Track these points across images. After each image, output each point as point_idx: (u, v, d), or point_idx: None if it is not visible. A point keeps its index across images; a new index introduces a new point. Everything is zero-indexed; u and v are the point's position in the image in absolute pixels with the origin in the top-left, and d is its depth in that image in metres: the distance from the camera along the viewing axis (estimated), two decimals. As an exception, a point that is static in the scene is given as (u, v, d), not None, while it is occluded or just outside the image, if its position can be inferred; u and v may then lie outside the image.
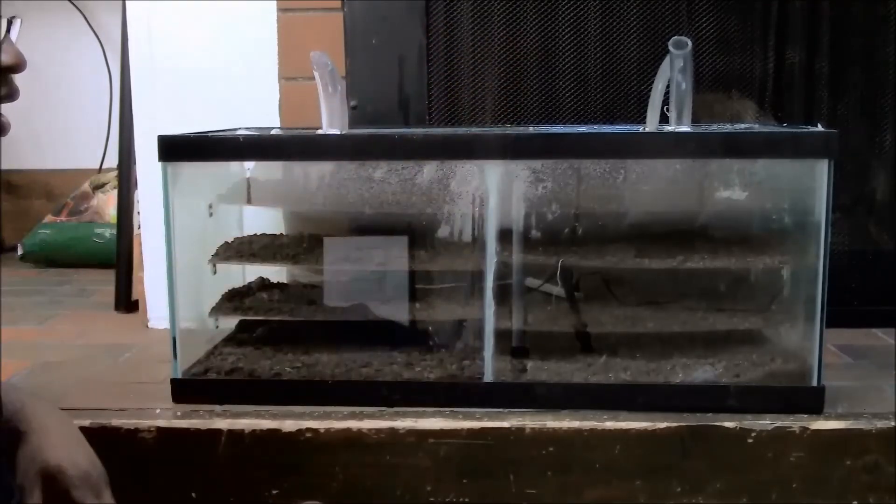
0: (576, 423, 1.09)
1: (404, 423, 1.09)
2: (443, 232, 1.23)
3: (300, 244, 1.29)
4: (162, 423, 1.10)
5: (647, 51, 1.50)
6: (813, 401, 1.11)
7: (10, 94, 0.78)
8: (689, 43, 1.12)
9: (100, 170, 2.48)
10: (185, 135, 1.18)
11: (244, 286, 1.32)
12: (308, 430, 1.09)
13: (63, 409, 0.98)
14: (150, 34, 1.52)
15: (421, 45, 1.51)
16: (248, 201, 1.34)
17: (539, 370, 1.18)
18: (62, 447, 0.91)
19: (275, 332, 1.29)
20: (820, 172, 1.09)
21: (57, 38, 2.51)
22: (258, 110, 1.51)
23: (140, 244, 1.60)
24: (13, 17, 0.78)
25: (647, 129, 1.24)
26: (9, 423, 0.88)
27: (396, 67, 1.51)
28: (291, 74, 1.52)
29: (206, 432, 1.09)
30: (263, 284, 1.33)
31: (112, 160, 2.13)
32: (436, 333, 1.25)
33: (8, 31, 0.77)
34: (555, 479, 1.09)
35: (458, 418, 1.10)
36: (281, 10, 1.51)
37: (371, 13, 1.49)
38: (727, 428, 1.08)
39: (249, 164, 1.32)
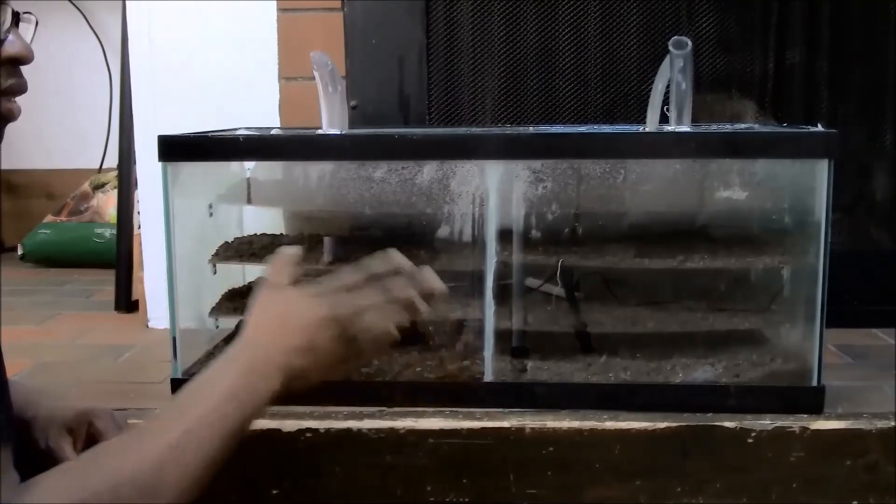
0: (576, 423, 1.09)
1: (404, 423, 1.09)
2: (443, 232, 1.23)
3: (300, 244, 1.29)
4: (162, 423, 1.10)
5: (647, 51, 1.50)
6: (813, 401, 1.11)
7: (19, 87, 0.78)
8: (689, 43, 1.12)
9: (100, 170, 2.49)
10: (185, 135, 1.18)
11: (244, 286, 1.32)
12: (308, 430, 1.09)
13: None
14: (150, 34, 1.52)
15: (421, 45, 1.51)
16: (248, 201, 1.34)
17: (539, 370, 1.18)
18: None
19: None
20: (820, 172, 1.09)
21: (57, 38, 2.51)
22: (258, 110, 1.51)
23: (140, 244, 1.60)
24: (27, 13, 0.78)
25: (647, 129, 1.24)
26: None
27: (396, 67, 1.51)
28: (291, 74, 1.52)
29: (206, 432, 1.09)
30: (263, 284, 1.33)
31: (112, 160, 2.13)
32: (436, 333, 1.25)
33: (17, 23, 0.77)
34: (555, 479, 1.09)
35: (458, 418, 1.10)
36: (281, 10, 1.51)
37: (371, 13, 1.49)
38: (727, 428, 1.08)
39: (249, 164, 1.32)
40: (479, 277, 1.16)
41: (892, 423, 1.08)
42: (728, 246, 1.21)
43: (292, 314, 0.81)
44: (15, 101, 0.78)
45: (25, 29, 0.79)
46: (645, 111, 1.25)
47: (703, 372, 1.16)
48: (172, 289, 1.17)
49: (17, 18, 0.77)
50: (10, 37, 0.76)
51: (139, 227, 1.61)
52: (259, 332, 0.81)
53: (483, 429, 1.09)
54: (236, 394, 0.78)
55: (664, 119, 1.19)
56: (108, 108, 2.44)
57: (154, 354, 1.40)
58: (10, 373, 0.71)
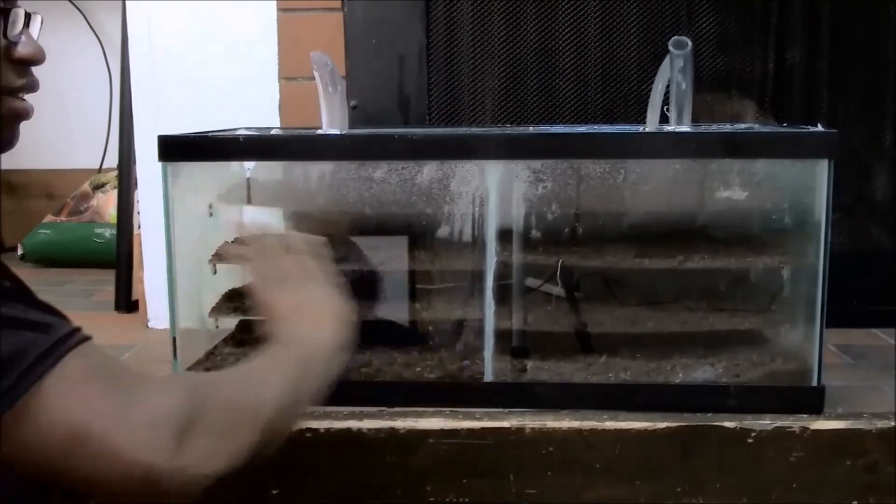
0: (576, 423, 1.09)
1: (404, 423, 1.09)
2: (443, 232, 1.23)
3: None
4: (162, 423, 1.10)
5: (647, 51, 1.50)
6: (813, 401, 1.11)
7: (30, 85, 0.80)
8: (689, 43, 1.12)
9: (100, 170, 2.48)
10: (185, 135, 1.18)
11: (244, 286, 1.32)
12: (308, 430, 1.09)
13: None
14: (150, 34, 1.52)
15: (421, 45, 1.50)
16: (248, 201, 1.34)
17: (539, 370, 1.18)
18: None
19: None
20: (820, 172, 1.09)
21: (57, 38, 2.51)
22: (258, 110, 1.51)
23: (140, 244, 1.60)
24: (34, 13, 0.79)
25: (647, 129, 1.24)
26: None
27: (396, 67, 1.51)
28: (291, 74, 1.52)
29: (206, 432, 1.09)
30: (263, 284, 1.33)
31: (112, 160, 2.12)
32: (436, 333, 1.25)
33: (27, 24, 0.78)
34: (555, 479, 1.09)
35: (458, 418, 1.10)
36: (281, 10, 1.51)
37: (371, 13, 1.49)
38: (727, 428, 1.08)
39: (249, 164, 1.31)
40: (479, 277, 1.16)
41: (892, 423, 1.08)
42: (728, 246, 1.21)
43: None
44: (26, 100, 0.80)
45: (32, 27, 0.80)
46: (645, 111, 1.25)
47: (703, 372, 1.16)
48: (172, 289, 1.17)
49: (27, 20, 0.78)
50: (23, 38, 0.78)
51: (139, 227, 1.61)
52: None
53: (483, 429, 1.09)
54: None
55: (664, 119, 1.19)
56: (108, 108, 2.44)
57: (154, 354, 1.39)
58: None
